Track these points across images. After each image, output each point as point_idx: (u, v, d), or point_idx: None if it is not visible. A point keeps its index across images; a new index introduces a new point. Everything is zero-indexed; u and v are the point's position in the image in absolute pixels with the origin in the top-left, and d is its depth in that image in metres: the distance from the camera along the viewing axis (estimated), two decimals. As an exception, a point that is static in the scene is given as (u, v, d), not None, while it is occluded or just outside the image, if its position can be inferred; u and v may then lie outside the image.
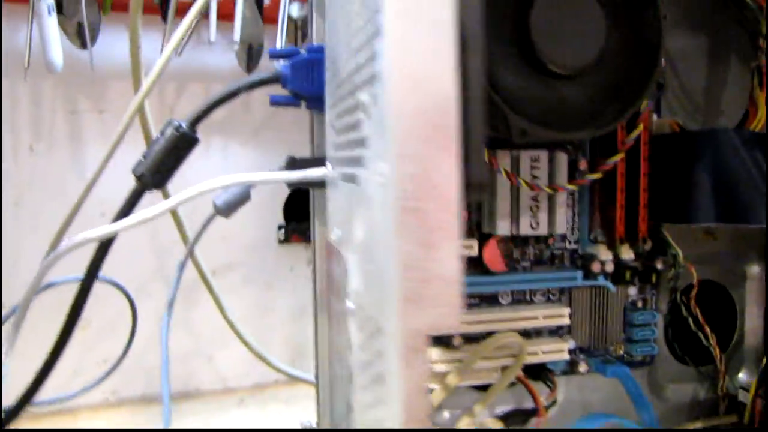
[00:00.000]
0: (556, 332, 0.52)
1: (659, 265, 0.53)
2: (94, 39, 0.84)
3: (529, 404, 0.50)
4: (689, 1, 0.56)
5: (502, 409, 0.50)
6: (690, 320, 0.55)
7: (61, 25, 0.80)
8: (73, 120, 0.92)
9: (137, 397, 0.95)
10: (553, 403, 0.49)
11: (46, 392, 0.57)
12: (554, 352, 0.49)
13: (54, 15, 0.76)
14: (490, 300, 0.50)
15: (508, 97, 0.38)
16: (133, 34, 0.69)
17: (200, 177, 0.44)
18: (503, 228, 0.47)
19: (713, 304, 0.58)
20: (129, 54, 0.71)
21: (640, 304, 0.54)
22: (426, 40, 0.22)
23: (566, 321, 0.50)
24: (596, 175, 0.47)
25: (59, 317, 0.52)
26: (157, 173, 0.48)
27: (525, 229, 0.48)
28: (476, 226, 0.49)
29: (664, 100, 0.53)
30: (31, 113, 0.89)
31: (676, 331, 0.56)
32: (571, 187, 0.47)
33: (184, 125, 0.48)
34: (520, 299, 0.51)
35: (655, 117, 0.51)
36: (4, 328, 0.64)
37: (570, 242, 0.51)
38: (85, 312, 0.52)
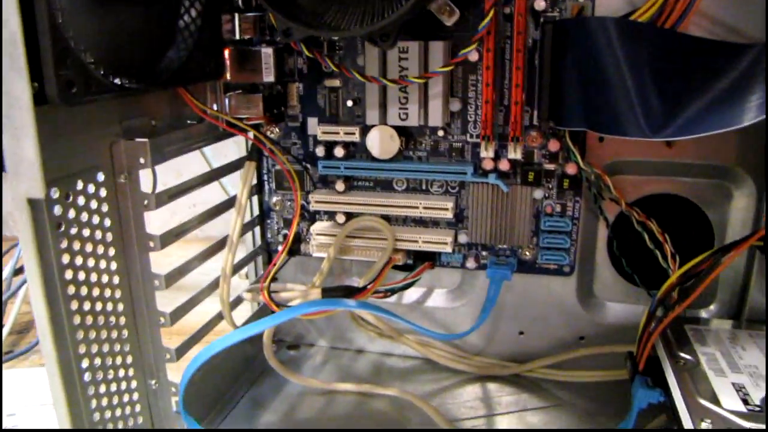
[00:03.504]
0: (455, 225, 0.54)
1: (570, 170, 0.50)
2: None
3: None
4: None
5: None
6: (645, 236, 0.51)
7: None
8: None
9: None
10: (406, 287, 0.53)
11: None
12: (435, 243, 0.53)
13: None
14: (384, 185, 0.55)
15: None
16: None
17: None
18: (372, 118, 0.51)
19: (684, 224, 0.52)
20: None
21: (557, 209, 0.52)
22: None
23: (448, 214, 0.52)
24: (445, 69, 0.46)
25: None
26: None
27: (393, 120, 0.50)
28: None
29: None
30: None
31: (627, 247, 0.53)
32: (419, 80, 0.47)
33: None
34: (416, 188, 0.54)
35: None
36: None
37: (472, 136, 0.51)
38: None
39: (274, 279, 0.59)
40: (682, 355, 0.44)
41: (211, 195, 0.57)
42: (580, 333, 0.55)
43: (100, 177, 0.43)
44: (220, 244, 0.53)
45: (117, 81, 0.39)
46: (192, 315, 0.51)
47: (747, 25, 0.45)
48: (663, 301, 0.47)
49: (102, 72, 0.38)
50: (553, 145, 0.49)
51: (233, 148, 0.58)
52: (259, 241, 0.59)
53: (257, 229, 0.59)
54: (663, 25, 0.43)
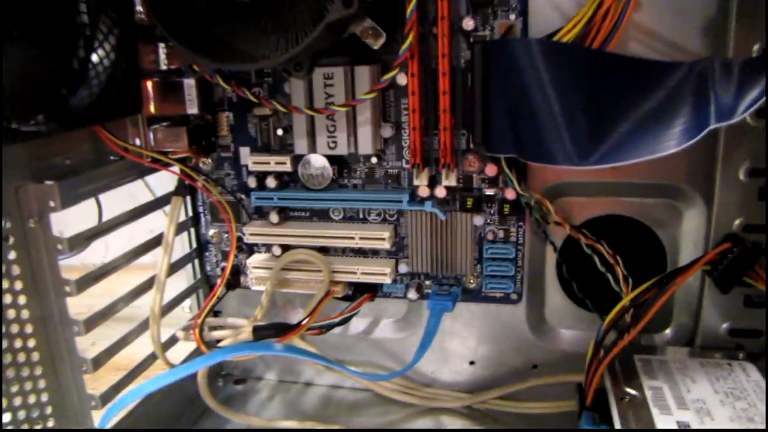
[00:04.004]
0: (395, 254, 0.52)
1: (509, 195, 0.48)
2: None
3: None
4: None
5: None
6: (596, 259, 0.49)
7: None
8: None
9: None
10: (343, 322, 0.51)
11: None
12: (374, 274, 0.51)
13: None
14: (321, 215, 0.53)
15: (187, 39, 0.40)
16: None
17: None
18: (300, 148, 0.49)
19: (635, 246, 0.49)
20: None
21: (500, 236, 0.49)
22: None
23: (385, 244, 0.50)
24: (368, 96, 0.44)
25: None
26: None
27: (322, 149, 0.48)
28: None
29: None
30: None
31: (578, 271, 0.50)
32: (342, 108, 0.45)
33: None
34: (353, 217, 0.52)
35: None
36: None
37: (408, 162, 0.49)
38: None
39: (216, 313, 0.57)
40: (628, 390, 0.42)
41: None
42: (533, 361, 0.53)
43: (6, 224, 0.41)
44: (150, 282, 0.51)
45: (18, 127, 0.37)
46: (132, 346, 0.49)
47: (684, 38, 0.42)
48: (615, 325, 0.45)
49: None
50: (491, 170, 0.47)
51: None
52: (199, 274, 0.57)
53: (197, 262, 0.57)
54: (591, 44, 0.41)
